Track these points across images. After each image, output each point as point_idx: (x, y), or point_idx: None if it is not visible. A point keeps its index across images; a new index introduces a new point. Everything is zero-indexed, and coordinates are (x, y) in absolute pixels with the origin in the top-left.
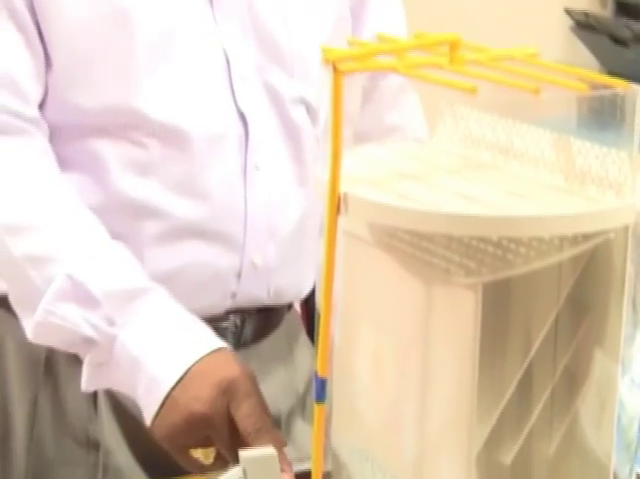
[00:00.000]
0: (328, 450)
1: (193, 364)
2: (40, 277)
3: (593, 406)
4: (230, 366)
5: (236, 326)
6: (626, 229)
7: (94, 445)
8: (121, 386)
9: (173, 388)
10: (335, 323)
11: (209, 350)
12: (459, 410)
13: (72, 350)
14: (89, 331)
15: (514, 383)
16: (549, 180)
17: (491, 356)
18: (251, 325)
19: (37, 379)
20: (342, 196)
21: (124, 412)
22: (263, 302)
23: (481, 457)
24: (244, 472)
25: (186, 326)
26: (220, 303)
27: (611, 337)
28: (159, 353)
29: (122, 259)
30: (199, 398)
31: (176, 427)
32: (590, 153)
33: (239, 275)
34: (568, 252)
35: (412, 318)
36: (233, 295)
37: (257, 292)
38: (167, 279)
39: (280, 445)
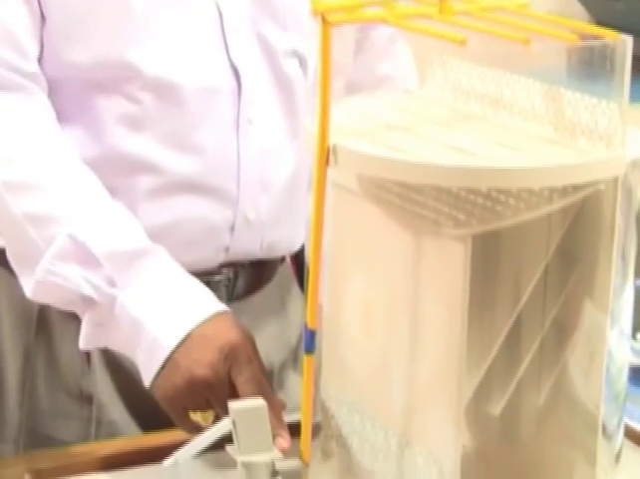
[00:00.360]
0: (318, 402)
1: (196, 327)
2: (41, 237)
3: (582, 357)
4: (233, 331)
5: (229, 280)
6: (616, 180)
7: (87, 399)
8: (119, 346)
9: (175, 350)
10: (325, 276)
11: (212, 313)
12: (448, 362)
13: (70, 309)
14: (89, 291)
15: (503, 334)
16: (539, 131)
17: (481, 308)
18: (244, 279)
19: (30, 333)
20: (331, 147)
21: (117, 366)
22: (256, 256)
23: (471, 408)
24: (234, 423)
25: (188, 289)
26: (214, 257)
27: (600, 289)
28: (160, 315)
29: (123, 220)
30: (202, 362)
31: (177, 389)
32: (580, 104)
33: (232, 229)
34: (558, 204)
35: (401, 270)
36: (227, 249)
37: (250, 246)
38: (161, 234)
39: (279, 411)
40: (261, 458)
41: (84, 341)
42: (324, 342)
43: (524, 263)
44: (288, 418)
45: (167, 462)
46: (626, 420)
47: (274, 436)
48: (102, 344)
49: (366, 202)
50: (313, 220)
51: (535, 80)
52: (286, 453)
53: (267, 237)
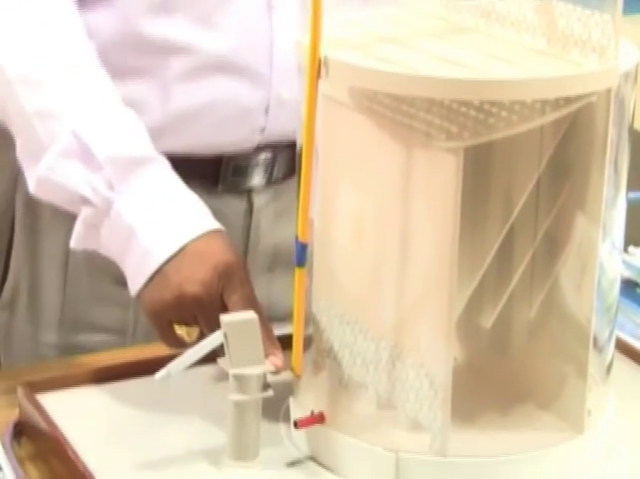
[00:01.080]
0: (309, 314)
1: (190, 242)
2: (46, 132)
3: (574, 270)
4: (228, 250)
5: (267, 162)
6: (609, 92)
7: (126, 283)
8: (109, 251)
9: (166, 263)
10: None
11: (207, 230)
12: (439, 275)
13: (70, 209)
14: (87, 192)
15: (495, 248)
16: (532, 43)
17: (472, 221)
18: (283, 161)
19: (68, 219)
20: (322, 59)
21: None
22: (293, 137)
23: (462, 321)
24: (225, 336)
25: (186, 202)
26: (250, 138)
27: (593, 201)
28: (154, 225)
29: (131, 126)
30: (194, 279)
31: (165, 303)
32: (573, 15)
33: (267, 110)
34: (550, 116)
35: (392, 183)
36: (262, 131)
37: (286, 127)
38: (195, 115)
39: (271, 332)
40: (253, 371)
41: (75, 240)
42: (315, 255)
43: (516, 176)
44: (279, 331)
45: (159, 375)
46: (617, 333)
47: (267, 356)
48: (92, 246)
49: (357, 114)
50: (304, 133)
51: None
52: (279, 371)
53: None
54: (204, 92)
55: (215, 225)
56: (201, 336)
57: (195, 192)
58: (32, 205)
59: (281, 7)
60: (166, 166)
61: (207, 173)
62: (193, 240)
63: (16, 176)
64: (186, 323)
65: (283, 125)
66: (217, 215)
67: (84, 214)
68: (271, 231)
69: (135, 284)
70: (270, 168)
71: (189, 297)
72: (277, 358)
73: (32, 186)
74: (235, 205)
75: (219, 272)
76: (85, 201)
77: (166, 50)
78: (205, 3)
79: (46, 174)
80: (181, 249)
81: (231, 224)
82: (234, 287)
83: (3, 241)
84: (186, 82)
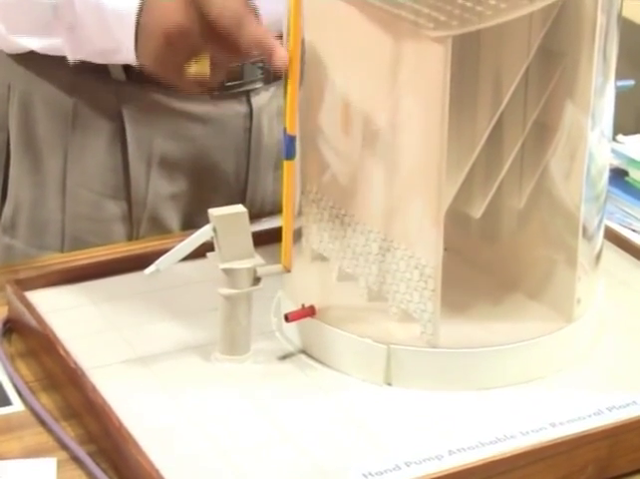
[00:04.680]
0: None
1: None
2: None
3: (563, 159)
4: None
5: (260, 60)
6: None
7: (126, 199)
8: (99, 43)
9: (140, 14)
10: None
11: None
12: (428, 165)
13: (49, 35)
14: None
15: (484, 137)
16: None
17: (461, 110)
18: None
19: (67, 132)
20: None
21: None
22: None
23: (451, 211)
24: (214, 230)
25: None
26: None
27: (582, 89)
28: None
29: None
30: (167, 14)
31: (159, 49)
32: None
33: None
34: (539, 3)
35: (381, 73)
36: None
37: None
38: None
39: (262, 29)
40: (243, 264)
41: (69, 54)
42: (305, 147)
43: (505, 65)
44: (269, 224)
45: (148, 270)
46: (606, 221)
47: (270, 51)
48: (86, 50)
49: (345, 4)
50: (291, 25)
51: None
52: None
53: None
54: None
55: None
56: (214, 67)
57: (191, 99)
58: (26, 124)
59: None
60: None
61: None
62: None
63: (8, 95)
64: (192, 57)
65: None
66: (217, 120)
67: (58, 23)
68: (274, 129)
69: (129, 52)
70: (265, 66)
71: (174, 31)
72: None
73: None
74: (234, 108)
75: None
76: (53, 10)
77: None
78: None
79: None
80: None
81: (232, 127)
82: (209, 2)
83: (0, 163)
84: None
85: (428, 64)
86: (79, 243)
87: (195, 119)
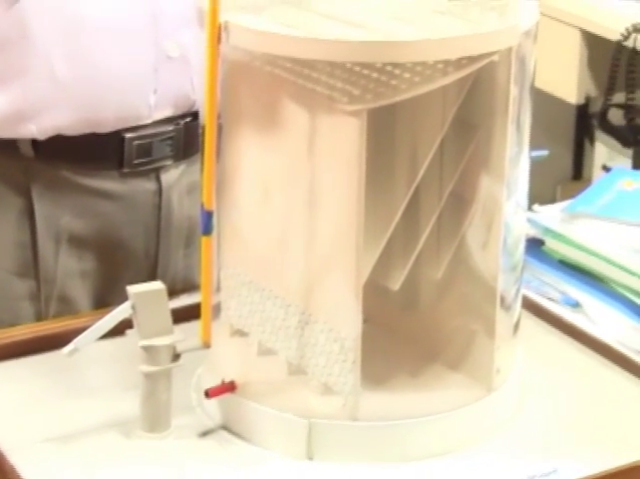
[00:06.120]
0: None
1: None
2: None
3: (480, 229)
4: None
5: (171, 136)
6: (510, 50)
7: (34, 275)
8: None
9: None
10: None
11: None
12: (346, 238)
13: None
14: None
15: (401, 209)
16: (432, 3)
17: (378, 183)
18: (188, 133)
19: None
20: (222, 24)
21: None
22: (191, 99)
23: (371, 282)
24: (133, 307)
25: None
26: (145, 100)
27: (496, 159)
28: None
29: None
30: None
31: None
32: None
33: (156, 70)
34: (453, 76)
35: (298, 146)
36: (155, 91)
37: (180, 85)
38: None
39: None
40: (162, 341)
41: None
42: (222, 222)
43: (421, 137)
44: (188, 300)
45: (67, 349)
46: (524, 291)
47: None
48: None
49: (260, 78)
50: (207, 99)
51: None
52: None
53: None
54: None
55: None
56: None
57: (100, 176)
58: None
59: None
60: None
61: (110, 154)
62: None
63: None
64: None
65: (176, 83)
66: (126, 197)
67: None
68: (184, 206)
69: None
70: (176, 142)
71: None
72: None
73: None
74: (143, 185)
75: None
76: None
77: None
78: None
79: None
80: None
81: (141, 204)
82: None
83: None
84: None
85: (343, 137)
86: None
87: (104, 196)
